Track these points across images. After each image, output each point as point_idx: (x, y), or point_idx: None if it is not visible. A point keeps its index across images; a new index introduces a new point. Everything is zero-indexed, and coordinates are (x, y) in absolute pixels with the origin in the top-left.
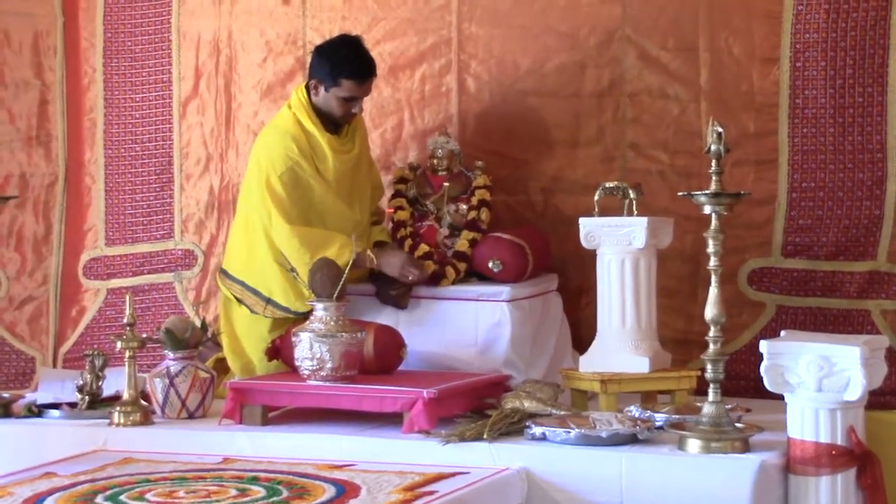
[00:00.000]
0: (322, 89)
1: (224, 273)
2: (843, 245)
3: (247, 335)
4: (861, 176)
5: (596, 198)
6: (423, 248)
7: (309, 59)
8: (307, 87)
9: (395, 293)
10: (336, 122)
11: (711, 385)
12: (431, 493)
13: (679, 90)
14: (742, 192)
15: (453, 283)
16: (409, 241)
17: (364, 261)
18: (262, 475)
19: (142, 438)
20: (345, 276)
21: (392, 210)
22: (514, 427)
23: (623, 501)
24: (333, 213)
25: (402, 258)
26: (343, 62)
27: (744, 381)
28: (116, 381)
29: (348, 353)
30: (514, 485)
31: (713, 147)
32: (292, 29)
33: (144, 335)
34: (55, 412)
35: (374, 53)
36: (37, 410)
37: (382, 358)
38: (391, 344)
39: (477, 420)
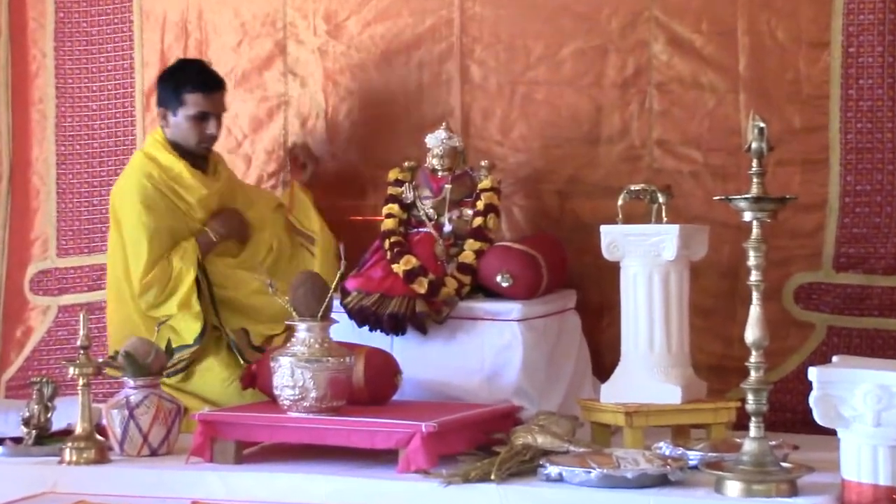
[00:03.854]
0: (171, 115)
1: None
2: None
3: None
4: None
5: (619, 202)
6: (411, 260)
7: (289, 44)
8: (161, 127)
9: (425, 312)
10: (196, 154)
11: (753, 418)
12: None
13: (714, 79)
14: (787, 197)
15: (455, 295)
16: (393, 251)
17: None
18: None
19: (97, 479)
20: (331, 291)
21: (382, 217)
22: (525, 466)
23: None
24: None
25: (232, 219)
26: (184, 77)
27: (790, 413)
28: (68, 413)
29: (335, 381)
30: None
31: (754, 144)
32: (271, 9)
33: (101, 359)
34: None
35: (364, 36)
36: None
37: (374, 386)
38: (384, 370)
39: (483, 458)
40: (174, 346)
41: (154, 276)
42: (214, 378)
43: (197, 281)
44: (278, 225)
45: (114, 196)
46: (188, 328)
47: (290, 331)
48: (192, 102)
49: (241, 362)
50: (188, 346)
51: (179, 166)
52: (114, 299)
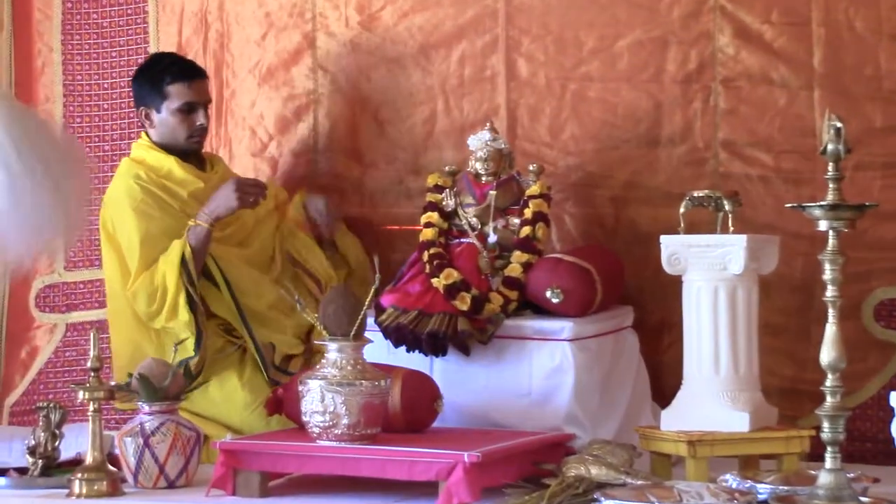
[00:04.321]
0: (154, 114)
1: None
2: None
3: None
4: None
5: (681, 210)
6: (452, 274)
7: (319, 36)
8: (145, 131)
9: (467, 330)
10: (188, 152)
11: (829, 448)
12: None
13: (786, 74)
14: (867, 204)
15: (501, 312)
16: (433, 264)
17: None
18: None
19: None
20: (365, 308)
21: (420, 227)
22: (578, 500)
23: None
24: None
25: (230, 183)
26: (162, 69)
27: (870, 442)
28: (77, 441)
29: (369, 406)
30: None
31: (830, 146)
32: None
33: (113, 383)
34: (0, 480)
35: (400, 28)
36: None
37: (412, 412)
38: (423, 394)
39: (531, 491)
40: (180, 358)
41: (140, 282)
42: (237, 403)
43: (189, 286)
44: (285, 221)
45: (103, 209)
46: (186, 339)
47: (310, 350)
48: (176, 94)
49: (267, 383)
50: (191, 357)
51: (169, 162)
52: (113, 322)
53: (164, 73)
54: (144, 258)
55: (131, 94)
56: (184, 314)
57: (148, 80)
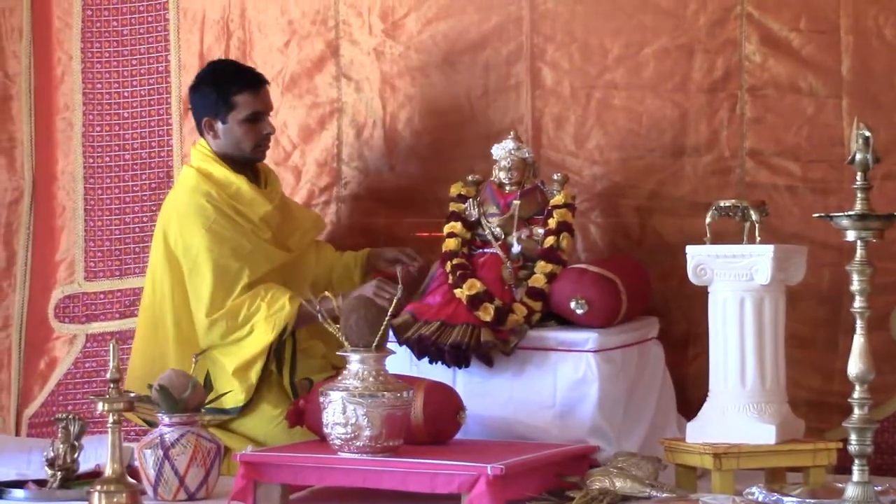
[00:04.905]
0: (219, 125)
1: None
2: None
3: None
4: None
5: (707, 220)
6: (475, 284)
7: (342, 44)
8: (203, 137)
9: (491, 342)
10: (251, 162)
11: (856, 460)
12: None
13: (814, 83)
14: None
15: (525, 323)
16: (456, 274)
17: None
18: None
19: None
20: (387, 319)
21: (444, 236)
22: None
23: None
24: (274, 260)
25: (374, 281)
26: (228, 79)
27: None
28: (97, 453)
29: (391, 418)
30: None
31: (858, 155)
32: (321, 5)
33: (133, 394)
34: (19, 492)
35: (424, 36)
36: None
37: (435, 424)
38: (446, 406)
39: None
40: (227, 406)
41: (224, 314)
42: (262, 417)
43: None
44: (322, 256)
45: (164, 221)
46: (232, 397)
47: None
48: (244, 104)
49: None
50: (225, 410)
51: (238, 181)
52: (146, 332)
53: (230, 82)
54: (221, 283)
55: (152, 102)
56: (253, 379)
57: (212, 90)
